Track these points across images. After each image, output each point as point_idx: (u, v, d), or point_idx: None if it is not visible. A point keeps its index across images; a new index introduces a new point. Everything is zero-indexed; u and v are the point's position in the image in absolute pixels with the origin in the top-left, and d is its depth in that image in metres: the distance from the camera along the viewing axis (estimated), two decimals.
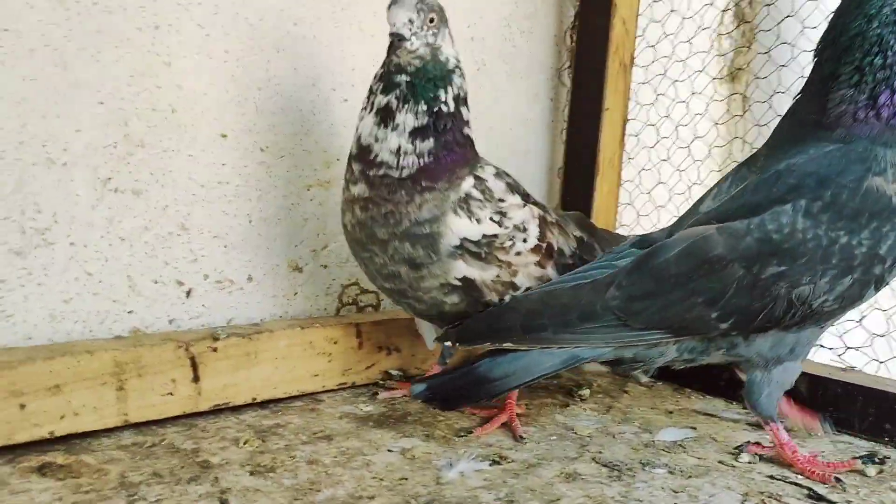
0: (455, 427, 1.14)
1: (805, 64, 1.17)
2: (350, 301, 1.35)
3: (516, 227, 1.08)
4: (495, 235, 1.06)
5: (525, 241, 1.09)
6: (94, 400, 1.00)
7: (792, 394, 1.20)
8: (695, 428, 1.19)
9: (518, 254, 1.08)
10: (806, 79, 1.02)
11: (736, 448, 1.11)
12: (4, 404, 0.93)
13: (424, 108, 1.03)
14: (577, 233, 1.22)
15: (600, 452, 1.07)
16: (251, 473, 0.94)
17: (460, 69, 1.07)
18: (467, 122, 1.08)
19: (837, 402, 1.21)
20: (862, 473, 1.04)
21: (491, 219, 1.06)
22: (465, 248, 1.05)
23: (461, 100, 1.06)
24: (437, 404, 1.04)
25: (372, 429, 1.11)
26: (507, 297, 1.09)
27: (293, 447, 1.03)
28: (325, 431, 1.09)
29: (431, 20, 1.02)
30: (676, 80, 1.51)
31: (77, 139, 1.05)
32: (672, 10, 1.51)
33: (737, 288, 0.94)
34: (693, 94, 1.49)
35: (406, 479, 0.96)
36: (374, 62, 1.31)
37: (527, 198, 1.13)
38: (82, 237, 1.07)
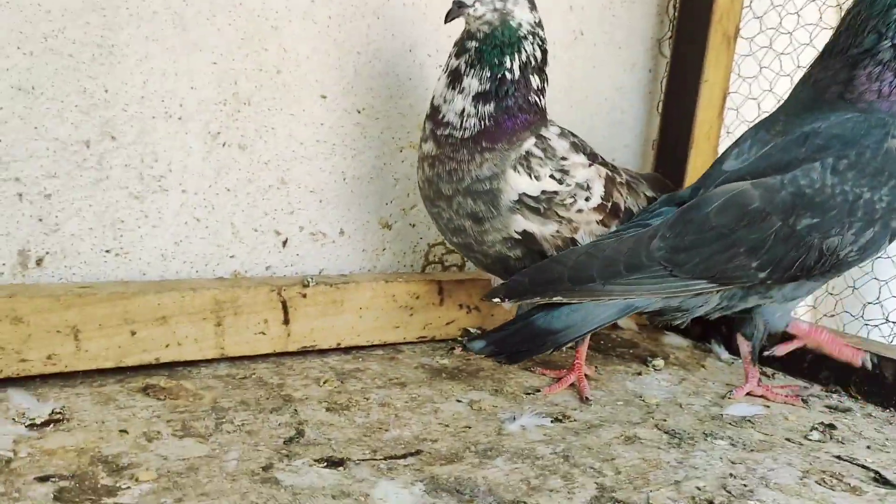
0: (525, 385, 1.18)
1: None
2: (436, 260, 1.42)
3: (579, 185, 1.11)
4: (555, 192, 1.09)
5: (588, 199, 1.12)
6: (196, 332, 1.11)
7: (869, 382, 1.20)
8: (768, 406, 1.18)
9: (580, 211, 1.11)
10: (828, 43, 1.06)
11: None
12: (117, 330, 1.05)
13: (488, 73, 1.06)
14: (650, 192, 1.24)
15: (664, 420, 1.09)
16: (328, 409, 1.03)
17: (536, 35, 1.09)
18: (537, 90, 1.10)
19: None
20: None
21: (551, 176, 1.09)
22: (524, 203, 1.08)
23: (531, 67, 1.09)
24: (504, 358, 1.08)
25: (444, 380, 1.17)
26: None
27: (369, 390, 1.10)
28: (400, 379, 1.16)
29: None
30: (782, 54, 1.47)
31: (191, 95, 1.15)
32: None
33: (775, 238, 1.00)
34: (798, 67, 1.44)
35: (469, 427, 1.02)
36: None
37: (594, 157, 1.15)
38: (193, 185, 1.18)
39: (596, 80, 1.54)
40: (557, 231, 1.11)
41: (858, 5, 1.05)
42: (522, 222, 1.09)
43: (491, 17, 1.06)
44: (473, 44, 1.08)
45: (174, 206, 1.17)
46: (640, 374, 1.29)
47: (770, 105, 1.51)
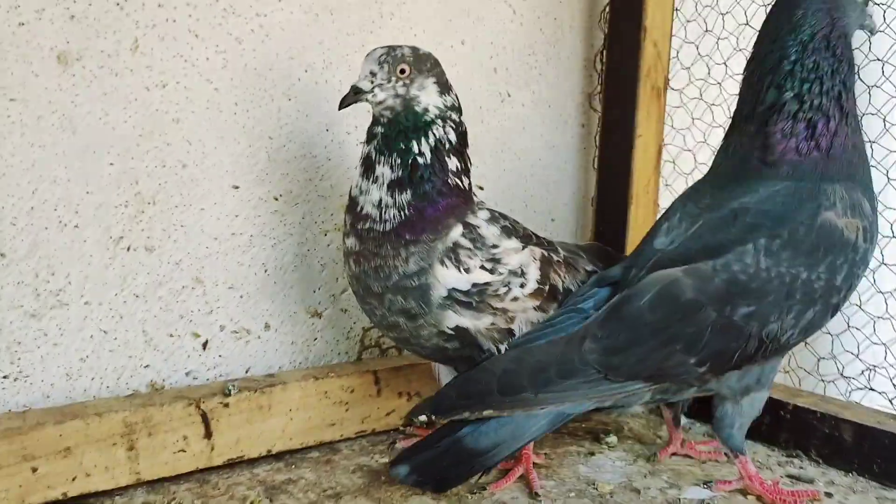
0: (469, 483, 1.11)
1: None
2: (372, 343, 1.34)
3: (512, 273, 1.06)
4: (488, 283, 1.04)
5: (523, 285, 1.06)
6: (105, 460, 1.02)
7: (829, 444, 1.15)
8: (728, 480, 1.12)
9: (515, 299, 1.06)
10: (736, 109, 1.04)
11: (706, 484, 1.10)
12: (17, 468, 0.96)
13: (398, 160, 1.02)
14: (590, 266, 1.18)
15: None
16: None
17: (447, 118, 1.04)
18: (457, 171, 1.05)
19: (885, 453, 1.13)
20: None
21: (482, 266, 1.04)
22: (455, 298, 1.03)
23: (444, 149, 1.04)
24: (430, 488, 1.00)
25: (383, 485, 1.09)
26: (504, 346, 1.06)
27: None
28: (335, 489, 1.07)
29: (403, 71, 1.01)
30: (712, 104, 1.44)
31: (88, 201, 1.07)
32: (706, 31, 1.43)
33: (711, 331, 0.94)
34: (730, 118, 1.41)
35: None
36: None
37: (528, 239, 1.10)
38: (97, 296, 1.09)
39: (527, 140, 1.49)
40: (492, 323, 1.05)
41: (751, 65, 1.03)
42: (455, 318, 1.03)
43: (393, 102, 1.02)
44: (379, 129, 1.04)
45: (76, 320, 1.08)
46: (592, 454, 1.22)
47: (705, 156, 1.47)
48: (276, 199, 1.22)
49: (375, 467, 1.14)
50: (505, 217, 1.10)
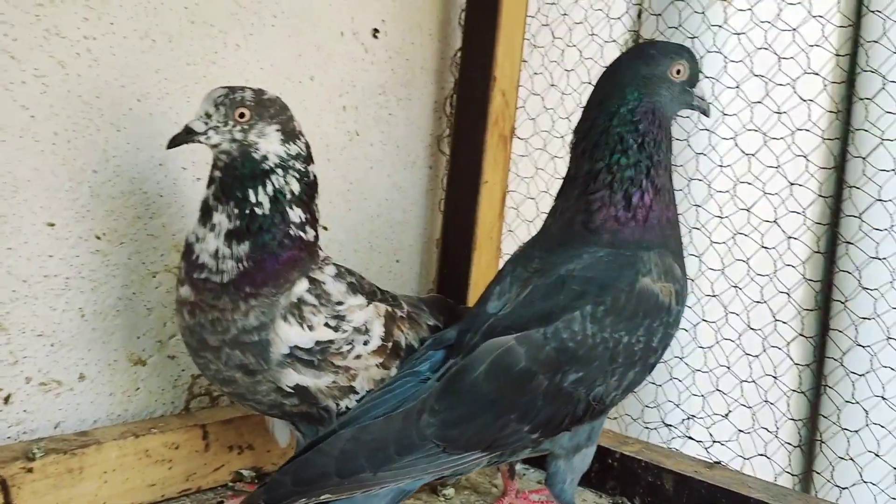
0: None
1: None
2: (202, 392, 1.26)
3: (356, 330, 1.03)
4: (331, 341, 1.01)
5: (366, 343, 1.04)
6: None
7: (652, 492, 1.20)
8: None
9: (357, 357, 1.04)
10: (566, 172, 1.07)
11: None
12: None
13: (236, 209, 0.97)
14: (432, 321, 1.17)
15: None
16: None
17: (288, 167, 0.99)
18: (300, 223, 1.01)
19: (702, 500, 1.19)
20: None
21: (326, 324, 1.01)
22: (296, 357, 0.99)
23: (285, 200, 0.99)
24: None
25: None
26: (344, 403, 1.04)
27: None
28: None
29: (242, 115, 0.96)
30: (555, 157, 1.48)
31: None
32: (552, 85, 1.48)
33: (544, 398, 0.96)
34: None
35: None
36: None
37: (373, 295, 1.08)
38: None
39: (374, 180, 1.47)
40: (334, 381, 1.02)
41: (576, 130, 1.06)
42: (295, 376, 0.99)
43: (228, 147, 0.97)
44: (217, 173, 0.99)
45: None
46: None
47: (546, 205, 1.51)
48: (99, 238, 1.12)
49: None
50: (351, 273, 1.07)
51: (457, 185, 1.51)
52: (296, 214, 1.00)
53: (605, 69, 1.05)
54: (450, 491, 1.25)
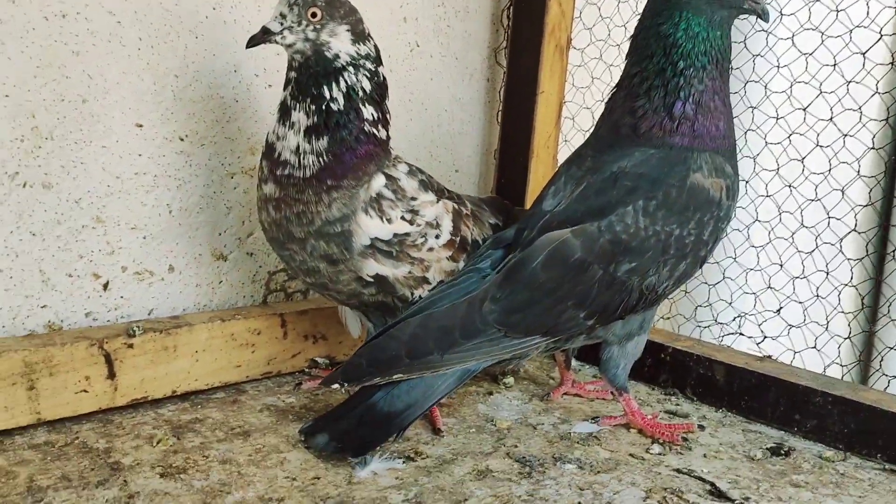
0: None
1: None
2: (277, 288, 1.35)
3: (429, 224, 1.10)
4: (407, 234, 1.08)
5: (438, 237, 1.11)
6: (5, 400, 0.99)
7: (703, 384, 1.26)
8: (613, 416, 1.21)
9: (430, 250, 1.10)
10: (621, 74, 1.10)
11: (593, 420, 1.19)
12: None
13: (313, 106, 1.02)
14: (493, 220, 1.25)
15: (515, 446, 1.10)
16: (161, 475, 0.95)
17: (360, 66, 1.04)
18: (373, 121, 1.06)
19: (751, 391, 1.25)
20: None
21: (402, 217, 1.07)
22: (377, 248, 1.06)
23: (358, 97, 1.04)
24: (351, 453, 1.00)
25: (291, 423, 1.12)
26: (418, 292, 1.11)
27: (208, 445, 1.03)
28: (243, 427, 1.09)
29: (314, 15, 1.01)
30: (612, 65, 1.50)
31: None
32: None
33: (598, 287, 1.03)
34: None
35: (319, 478, 0.98)
36: None
37: (441, 193, 1.14)
38: None
39: (434, 92, 1.52)
40: (409, 272, 1.09)
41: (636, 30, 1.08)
42: (375, 266, 1.07)
43: (302, 46, 1.02)
44: (292, 74, 1.05)
45: None
46: (491, 393, 1.29)
47: None
48: (182, 140, 1.20)
49: (282, 406, 1.17)
50: (421, 171, 1.14)
51: (514, 95, 1.55)
52: (368, 112, 1.06)
53: None
54: (510, 380, 1.33)
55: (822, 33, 1.25)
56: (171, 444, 1.03)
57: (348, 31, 1.04)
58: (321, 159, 1.03)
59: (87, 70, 1.09)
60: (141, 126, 1.15)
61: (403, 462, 1.03)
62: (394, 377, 1.00)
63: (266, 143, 1.07)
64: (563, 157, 1.58)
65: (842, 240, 1.25)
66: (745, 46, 1.34)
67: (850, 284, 1.27)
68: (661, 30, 1.03)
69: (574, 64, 1.54)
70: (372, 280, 1.08)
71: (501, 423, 1.17)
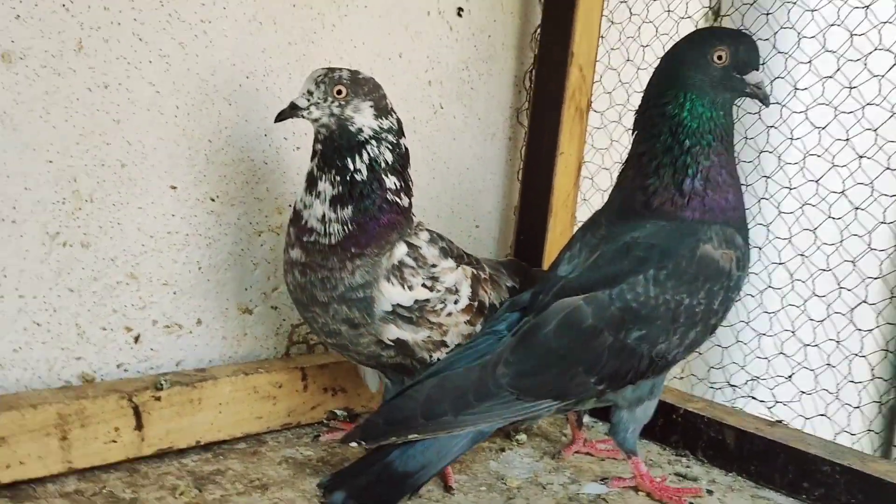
0: None
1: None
2: (300, 340, 1.40)
3: (448, 290, 1.14)
4: (427, 300, 1.12)
5: (456, 302, 1.15)
6: (39, 449, 1.05)
7: (714, 446, 1.28)
8: (622, 478, 1.24)
9: (449, 315, 1.15)
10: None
11: (602, 481, 1.22)
12: None
13: (338, 177, 1.08)
14: (510, 282, 1.29)
15: None
16: None
17: (382, 140, 1.10)
18: (396, 190, 1.11)
19: (761, 456, 1.26)
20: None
21: (423, 284, 1.12)
22: (398, 314, 1.11)
23: (380, 168, 1.10)
24: None
25: (308, 476, 1.16)
26: (436, 355, 1.15)
27: (228, 498, 1.08)
28: (261, 480, 1.14)
29: (339, 92, 1.06)
30: (630, 129, 1.54)
31: (26, 197, 1.09)
32: (628, 60, 1.54)
33: (609, 353, 1.06)
34: None
35: None
36: None
37: (460, 259, 1.19)
38: (31, 289, 1.11)
39: (457, 151, 1.57)
40: (428, 336, 1.13)
41: (639, 108, 1.13)
42: (395, 331, 1.11)
43: (328, 121, 1.08)
44: (318, 146, 1.10)
45: (11, 312, 1.10)
46: (503, 450, 1.32)
47: None
48: (213, 200, 1.26)
49: (300, 459, 1.21)
50: (442, 238, 1.18)
51: (534, 155, 1.60)
52: (391, 181, 1.11)
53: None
54: (522, 437, 1.36)
55: (836, 109, 1.28)
56: (193, 496, 1.07)
57: (371, 106, 1.10)
58: (346, 227, 1.08)
59: (126, 137, 1.16)
60: (175, 188, 1.22)
61: None
62: (409, 437, 1.04)
63: (294, 211, 1.12)
64: (581, 215, 1.62)
65: (853, 310, 1.27)
66: (760, 117, 1.37)
67: (860, 354, 1.29)
68: (667, 110, 1.07)
69: (593, 126, 1.58)
70: (392, 344, 1.12)
71: (512, 482, 1.20)
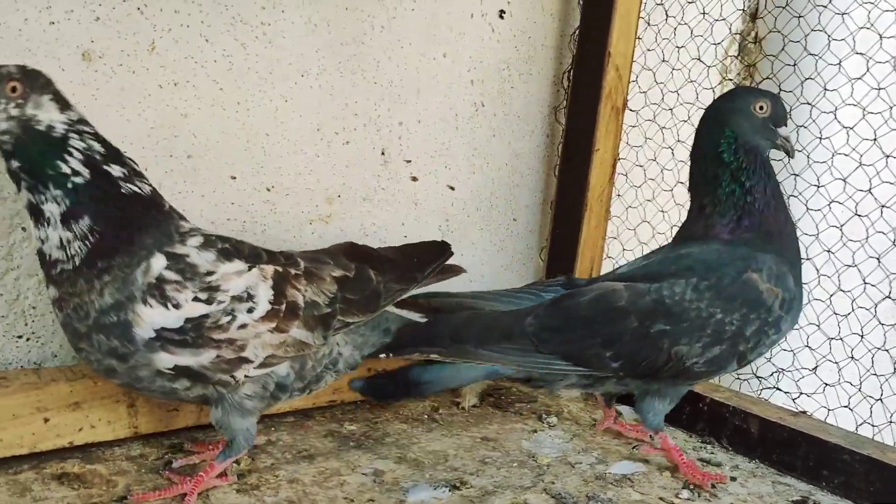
0: (427, 450, 1.27)
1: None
2: None
3: (236, 299, 0.99)
4: (205, 316, 0.97)
5: (251, 310, 0.99)
6: (109, 415, 1.15)
7: (738, 434, 1.33)
8: (648, 461, 1.30)
9: (243, 327, 0.99)
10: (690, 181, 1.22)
11: (634, 448, 1.31)
12: (31, 418, 1.09)
13: (59, 190, 0.91)
14: (339, 271, 1.11)
15: (553, 483, 1.20)
16: (238, 491, 1.09)
17: (79, 131, 0.94)
18: (125, 177, 0.96)
19: (783, 445, 1.31)
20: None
21: (196, 298, 0.96)
22: (165, 338, 0.95)
23: (99, 160, 0.94)
24: (372, 395, 1.28)
25: (351, 449, 1.25)
26: (239, 374, 1.01)
27: (278, 466, 1.17)
28: (308, 451, 1.23)
29: (14, 90, 0.90)
30: (664, 127, 1.60)
31: None
32: (663, 61, 1.59)
33: (630, 335, 1.13)
34: (678, 141, 1.58)
35: (373, 500, 1.10)
36: (374, 106, 1.44)
37: (256, 258, 1.04)
38: None
39: (496, 147, 1.64)
40: (218, 356, 0.98)
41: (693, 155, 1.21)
42: (169, 358, 0.96)
43: (8, 126, 0.90)
44: (14, 163, 0.92)
45: None
46: (535, 431, 1.39)
47: (654, 172, 1.65)
48: (268, 190, 1.35)
49: (344, 433, 1.30)
50: (225, 239, 1.03)
51: (571, 152, 1.66)
52: (117, 171, 0.96)
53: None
54: (553, 419, 1.43)
55: (864, 109, 1.32)
56: (247, 464, 1.17)
57: (52, 99, 0.93)
58: (87, 241, 0.93)
59: (192, 130, 1.25)
60: (234, 178, 1.31)
61: (450, 490, 1.14)
62: (432, 356, 1.15)
63: (38, 255, 0.96)
64: (615, 210, 1.68)
65: (876, 305, 1.32)
66: (791, 118, 1.42)
67: (882, 348, 1.33)
68: (723, 158, 1.15)
69: (629, 124, 1.64)
70: (174, 372, 0.97)
71: (542, 460, 1.27)
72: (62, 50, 1.13)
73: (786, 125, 1.16)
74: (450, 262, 1.25)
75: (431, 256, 1.21)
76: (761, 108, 1.14)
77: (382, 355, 1.15)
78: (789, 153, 1.17)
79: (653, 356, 1.13)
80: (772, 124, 1.15)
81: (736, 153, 1.14)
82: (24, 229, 1.14)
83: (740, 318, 1.12)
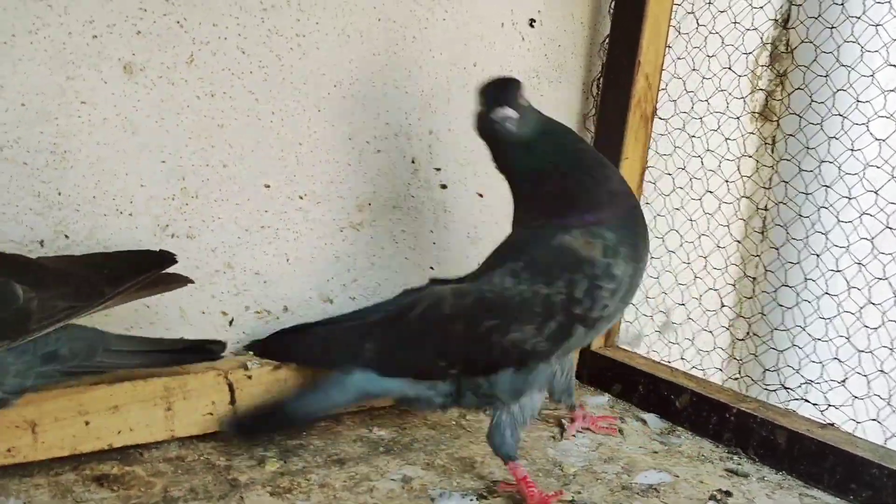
0: (455, 457, 1.29)
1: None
2: None
3: None
4: None
5: None
6: (147, 418, 1.19)
7: (765, 445, 1.33)
8: (674, 472, 1.31)
9: None
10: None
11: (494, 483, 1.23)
12: (72, 421, 1.13)
13: None
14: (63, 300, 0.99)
15: (579, 493, 1.21)
16: (271, 494, 1.12)
17: None
18: None
19: (811, 457, 1.31)
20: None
21: None
22: None
23: None
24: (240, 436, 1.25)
25: (381, 454, 1.27)
26: None
27: (309, 469, 1.20)
28: (339, 455, 1.25)
29: None
30: (693, 136, 1.60)
31: (141, 193, 1.22)
32: (693, 70, 1.59)
33: (460, 340, 1.14)
34: (707, 150, 1.58)
35: None
36: (405, 115, 1.46)
37: None
38: None
39: None
40: None
41: None
42: None
43: None
44: None
45: None
46: (560, 439, 1.40)
47: (683, 181, 1.65)
48: (301, 198, 1.38)
49: (374, 438, 1.32)
50: None
51: None
52: None
53: None
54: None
55: None
56: (279, 467, 1.19)
57: None
58: None
59: (228, 140, 1.28)
60: (268, 186, 1.34)
61: (477, 499, 1.16)
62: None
63: None
64: None
65: None
66: (822, 129, 1.42)
67: None
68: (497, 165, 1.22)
69: (658, 132, 1.64)
70: None
71: (568, 469, 1.28)
72: (104, 63, 1.17)
73: (493, 103, 1.14)
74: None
75: (134, 267, 1.08)
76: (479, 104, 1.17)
77: (250, 352, 1.30)
78: (501, 125, 1.14)
79: (486, 351, 1.13)
80: (489, 112, 1.15)
81: (496, 157, 1.21)
82: (66, 236, 1.17)
83: (566, 284, 1.09)
